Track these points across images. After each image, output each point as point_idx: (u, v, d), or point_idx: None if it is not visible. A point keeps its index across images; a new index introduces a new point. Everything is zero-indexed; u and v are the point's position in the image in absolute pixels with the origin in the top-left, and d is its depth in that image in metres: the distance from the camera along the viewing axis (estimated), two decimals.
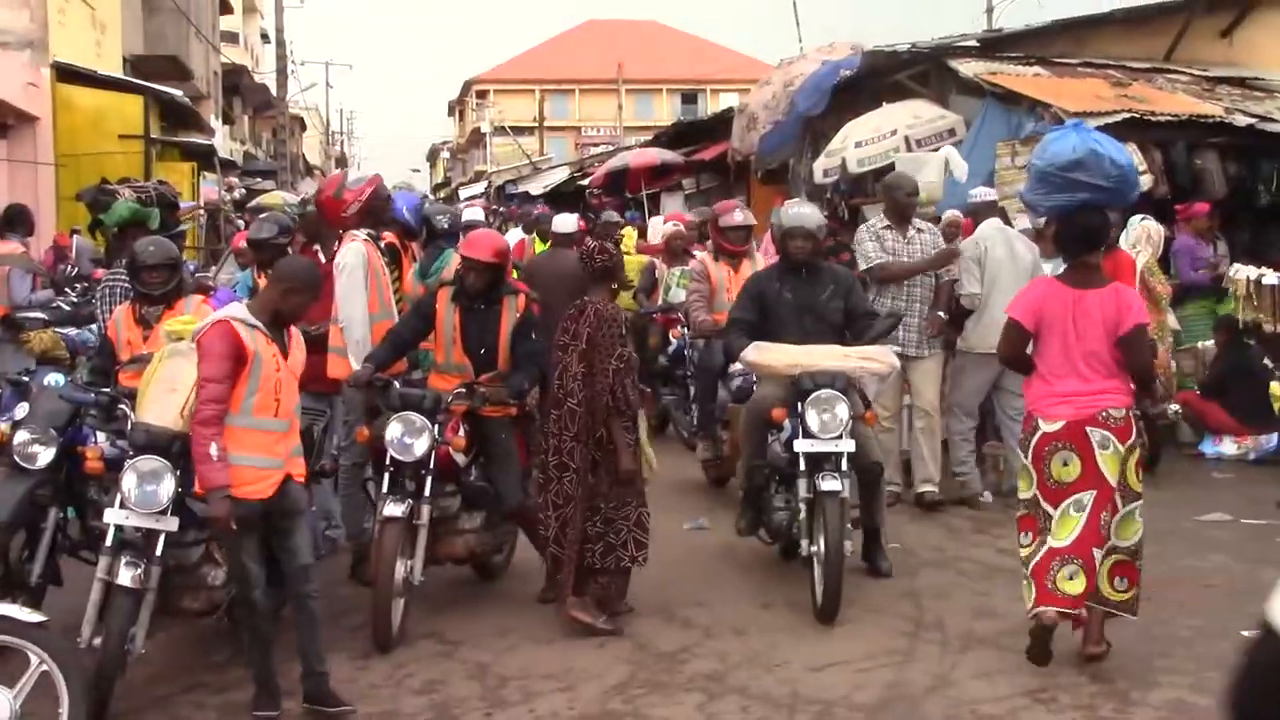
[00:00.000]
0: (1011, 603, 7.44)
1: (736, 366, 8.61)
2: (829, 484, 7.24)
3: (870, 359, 7.73)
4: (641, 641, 7.02)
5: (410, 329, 7.61)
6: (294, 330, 6.06)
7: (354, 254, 7.88)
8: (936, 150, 13.98)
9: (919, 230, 10.00)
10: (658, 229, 18.04)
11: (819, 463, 7.40)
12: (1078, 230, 6.64)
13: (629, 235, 16.11)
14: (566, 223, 12.00)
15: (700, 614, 7.46)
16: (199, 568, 6.21)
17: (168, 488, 5.80)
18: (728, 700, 6.16)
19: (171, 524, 5.85)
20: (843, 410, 7.42)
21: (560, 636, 7.08)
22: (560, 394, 7.17)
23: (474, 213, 14.42)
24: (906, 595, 7.74)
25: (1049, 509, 6.29)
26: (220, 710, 6.06)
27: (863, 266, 9.80)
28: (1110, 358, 6.36)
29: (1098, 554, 6.21)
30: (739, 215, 10.03)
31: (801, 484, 7.40)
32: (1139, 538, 6.41)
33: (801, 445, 7.40)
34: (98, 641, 5.72)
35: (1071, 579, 6.14)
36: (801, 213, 8.34)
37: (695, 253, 12.56)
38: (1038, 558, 6.23)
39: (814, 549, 7.26)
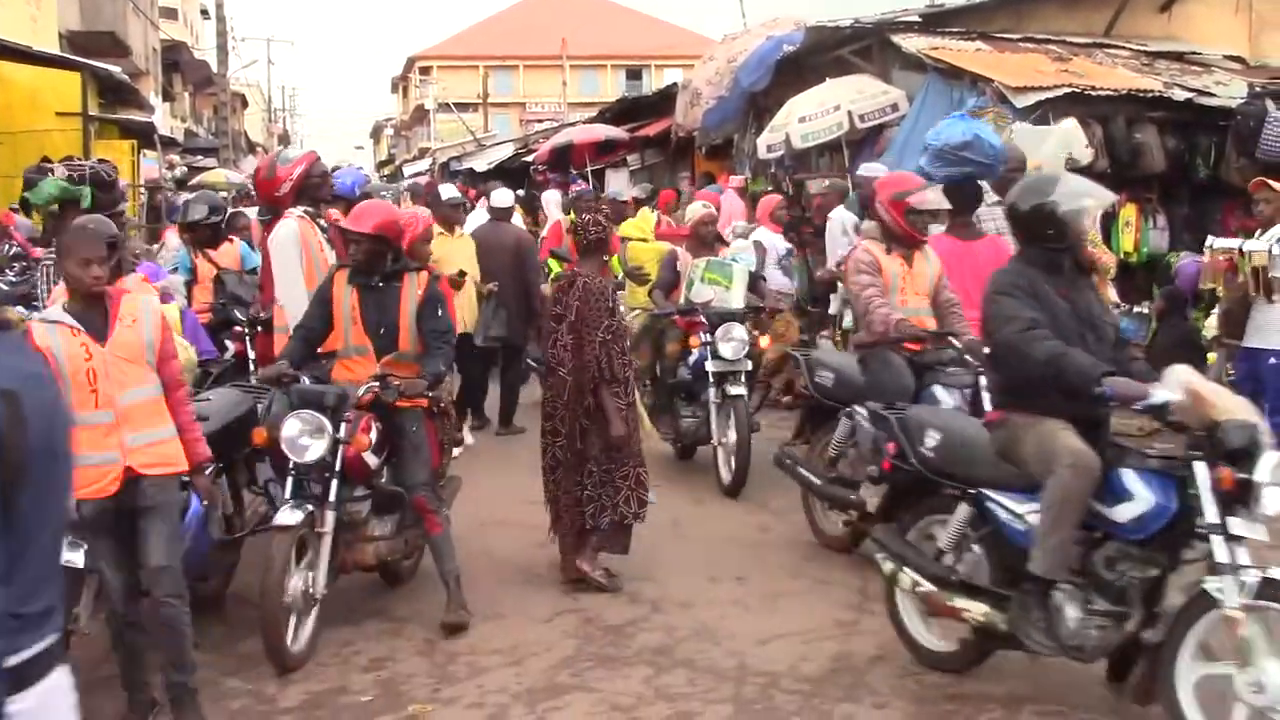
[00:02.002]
0: None
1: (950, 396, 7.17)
2: None
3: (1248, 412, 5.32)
4: (589, 616, 7.04)
5: (316, 319, 7.04)
6: (129, 307, 5.53)
7: (285, 230, 7.84)
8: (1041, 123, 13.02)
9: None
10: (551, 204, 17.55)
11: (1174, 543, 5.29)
12: (964, 195, 8.55)
13: (646, 217, 13.80)
14: (504, 197, 12.53)
15: (648, 588, 7.49)
16: None
17: None
18: (675, 673, 6.20)
19: None
20: None
21: (508, 612, 7.09)
22: (553, 363, 7.46)
23: (448, 190, 13.34)
24: (853, 567, 7.80)
25: None
26: (165, 688, 6.02)
27: None
28: None
29: None
30: (933, 196, 7.94)
31: (1229, 587, 4.97)
32: None
33: (1243, 528, 5.04)
34: None
35: None
36: (1090, 185, 6.06)
37: (750, 232, 11.69)
38: None
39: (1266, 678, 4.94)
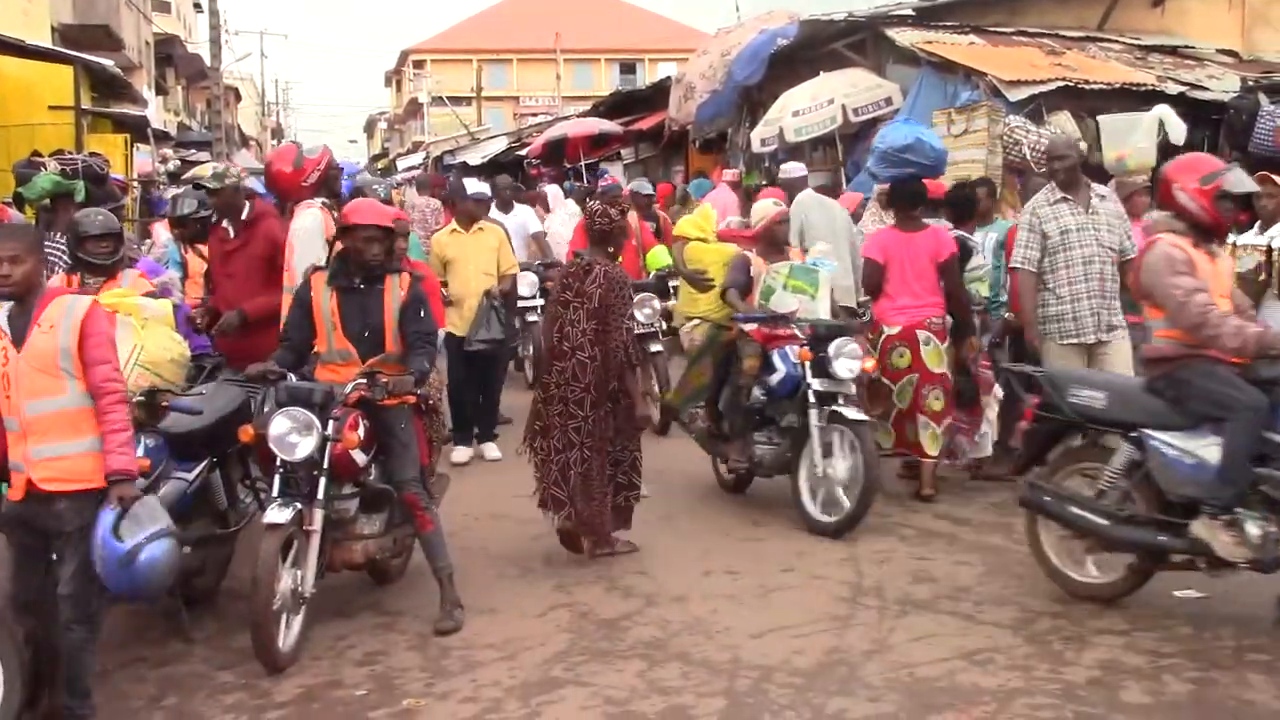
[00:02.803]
0: (949, 567, 7.58)
1: None
2: None
3: None
4: (583, 610, 7.04)
5: (297, 327, 6.92)
6: (51, 312, 5.30)
7: (311, 218, 7.86)
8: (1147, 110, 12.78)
9: (1102, 198, 8.80)
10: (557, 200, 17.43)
11: None
12: (908, 193, 9.34)
13: (707, 214, 12.75)
14: (480, 189, 12.37)
15: (642, 582, 7.49)
16: None
17: None
18: (669, 667, 6.19)
19: None
20: None
21: (501, 607, 7.08)
22: (566, 348, 7.61)
23: (474, 184, 12.55)
24: (846, 560, 7.80)
25: (891, 385, 8.93)
26: (159, 683, 6.03)
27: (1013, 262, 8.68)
28: (931, 280, 8.98)
29: (921, 418, 8.86)
30: (1244, 175, 6.80)
31: None
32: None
33: None
34: None
35: (920, 431, 8.88)
36: None
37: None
38: (891, 416, 8.96)
39: None
